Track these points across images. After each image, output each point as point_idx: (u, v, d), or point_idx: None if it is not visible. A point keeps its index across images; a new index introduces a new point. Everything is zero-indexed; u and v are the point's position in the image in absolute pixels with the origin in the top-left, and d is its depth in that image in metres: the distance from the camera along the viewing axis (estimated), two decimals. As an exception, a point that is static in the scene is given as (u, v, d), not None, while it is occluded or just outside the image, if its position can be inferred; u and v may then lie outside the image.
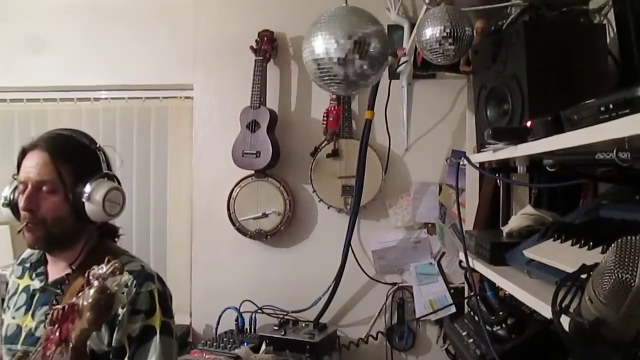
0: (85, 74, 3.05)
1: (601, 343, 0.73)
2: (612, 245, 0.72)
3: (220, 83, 2.95)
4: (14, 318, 1.46)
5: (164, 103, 3.07)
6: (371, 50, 1.67)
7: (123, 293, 1.09)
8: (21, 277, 1.52)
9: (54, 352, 1.12)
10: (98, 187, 1.37)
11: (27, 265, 1.52)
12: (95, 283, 1.08)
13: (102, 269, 1.09)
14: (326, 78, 1.73)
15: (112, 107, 3.10)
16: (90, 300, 1.07)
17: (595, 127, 0.92)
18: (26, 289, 1.47)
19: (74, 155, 1.40)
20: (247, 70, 2.78)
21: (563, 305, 0.82)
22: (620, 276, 0.68)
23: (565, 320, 0.83)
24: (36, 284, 1.46)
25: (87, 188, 1.36)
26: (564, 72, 1.45)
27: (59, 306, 1.12)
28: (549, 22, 1.57)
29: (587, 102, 0.97)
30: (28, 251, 1.55)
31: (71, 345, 1.10)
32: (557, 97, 1.31)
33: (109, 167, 1.46)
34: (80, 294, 1.10)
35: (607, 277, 0.70)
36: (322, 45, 1.68)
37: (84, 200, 1.36)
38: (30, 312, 1.42)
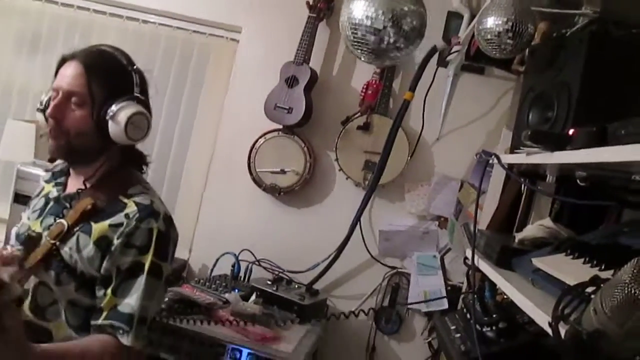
0: (139, -5, 3.04)
1: (595, 356, 0.72)
2: (632, 260, 0.70)
3: (268, 32, 2.91)
4: (28, 219, 1.48)
5: (209, 40, 3.05)
6: (405, 27, 1.71)
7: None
8: (48, 182, 1.54)
9: None
10: (124, 108, 1.35)
11: (52, 173, 1.54)
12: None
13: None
14: (357, 44, 1.78)
15: (157, 33, 3.09)
16: None
17: (641, 145, 0.89)
18: (46, 195, 1.50)
19: (109, 73, 1.38)
20: (298, 24, 2.75)
21: (565, 312, 0.81)
22: (632, 291, 0.67)
23: (563, 329, 0.82)
24: (54, 192, 1.48)
25: (113, 107, 1.34)
26: (618, 91, 1.40)
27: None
28: (615, 39, 1.52)
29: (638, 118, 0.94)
30: (60, 161, 1.57)
31: None
32: (605, 113, 1.27)
33: (143, 92, 1.43)
34: None
35: (619, 290, 0.68)
36: (362, 12, 1.73)
37: (107, 118, 1.34)
38: (40, 219, 1.44)
